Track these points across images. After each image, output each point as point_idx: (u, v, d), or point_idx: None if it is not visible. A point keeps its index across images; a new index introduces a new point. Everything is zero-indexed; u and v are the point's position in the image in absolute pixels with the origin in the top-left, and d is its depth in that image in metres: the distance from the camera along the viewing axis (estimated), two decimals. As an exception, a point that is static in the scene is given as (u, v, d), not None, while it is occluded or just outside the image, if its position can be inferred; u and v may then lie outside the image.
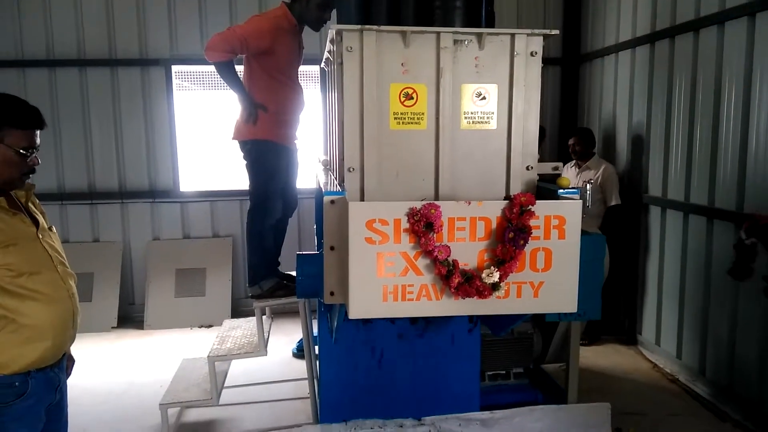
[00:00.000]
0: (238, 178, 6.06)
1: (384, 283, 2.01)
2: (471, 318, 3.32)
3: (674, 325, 4.45)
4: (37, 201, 2.23)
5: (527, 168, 2.29)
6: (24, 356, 2.00)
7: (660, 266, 4.65)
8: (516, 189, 2.26)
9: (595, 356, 4.68)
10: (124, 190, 5.89)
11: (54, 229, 2.23)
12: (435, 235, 1.99)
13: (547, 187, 2.30)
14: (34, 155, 2.02)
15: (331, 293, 2.17)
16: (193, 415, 3.92)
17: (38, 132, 2.04)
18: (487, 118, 2.22)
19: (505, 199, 2.14)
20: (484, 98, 2.22)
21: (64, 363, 2.24)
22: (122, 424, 3.78)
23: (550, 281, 2.11)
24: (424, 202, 2.00)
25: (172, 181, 5.96)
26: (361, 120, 2.16)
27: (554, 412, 3.46)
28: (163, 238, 6.01)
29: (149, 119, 5.86)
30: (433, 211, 1.98)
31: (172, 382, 3.80)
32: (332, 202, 2.13)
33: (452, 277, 2.00)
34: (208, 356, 3.53)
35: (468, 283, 2.01)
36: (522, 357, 3.80)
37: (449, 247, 2.01)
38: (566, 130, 5.92)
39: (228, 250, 6.02)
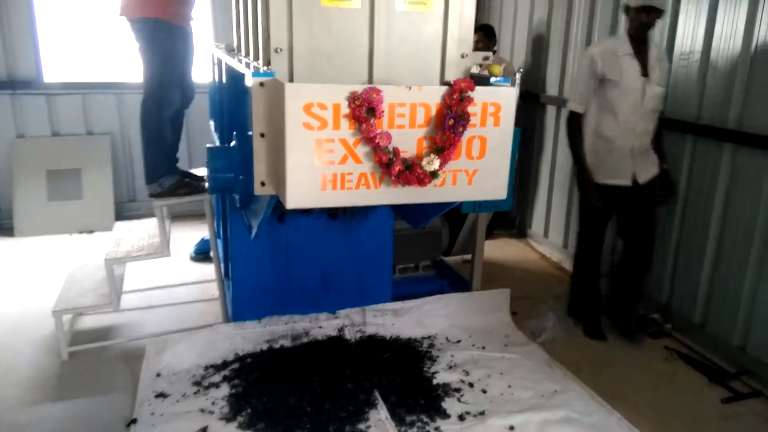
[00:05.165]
0: (115, 69, 5.46)
1: (323, 171, 1.92)
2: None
3: (562, 219, 4.80)
4: None
5: (462, 56, 2.23)
6: None
7: (552, 164, 4.92)
8: (451, 77, 2.20)
9: (489, 249, 4.94)
10: (-26, 78, 5.06)
11: None
12: (376, 122, 1.91)
13: (479, 76, 2.27)
14: None
15: (262, 183, 2.04)
16: (89, 322, 3.66)
17: None
18: (426, -3, 2.11)
19: (441, 85, 2.08)
20: (422, -25, 2.09)
21: None
22: (8, 337, 3.45)
23: (483, 169, 2.13)
24: (365, 86, 1.88)
25: (35, 69, 5.20)
26: (291, -7, 1.96)
27: (460, 299, 3.67)
28: (28, 136, 5.31)
29: (-1, -6, 4.98)
30: (375, 95, 1.88)
31: (63, 289, 3.49)
32: (261, 84, 1.95)
33: (393, 165, 1.94)
34: (105, 259, 3.26)
35: (409, 171, 1.97)
36: (431, 250, 3.93)
37: (390, 134, 1.94)
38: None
39: (106, 149, 5.47)
